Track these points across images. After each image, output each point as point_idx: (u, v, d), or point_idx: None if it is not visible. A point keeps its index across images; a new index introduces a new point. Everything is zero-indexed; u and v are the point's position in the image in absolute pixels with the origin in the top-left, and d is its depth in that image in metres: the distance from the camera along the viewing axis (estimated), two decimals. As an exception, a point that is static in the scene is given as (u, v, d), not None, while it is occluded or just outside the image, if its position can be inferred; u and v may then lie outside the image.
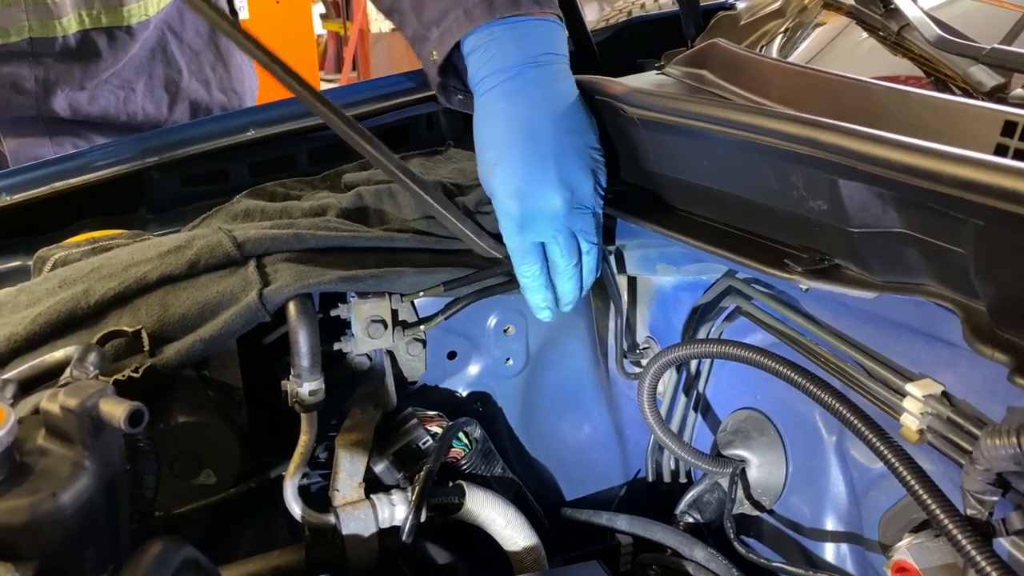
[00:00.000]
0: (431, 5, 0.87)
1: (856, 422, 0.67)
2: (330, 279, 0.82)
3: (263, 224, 0.91)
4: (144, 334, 0.77)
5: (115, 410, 0.55)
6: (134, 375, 0.73)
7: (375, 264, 0.86)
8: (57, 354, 0.71)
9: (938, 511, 0.58)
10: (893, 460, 0.63)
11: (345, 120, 0.77)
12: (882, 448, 0.64)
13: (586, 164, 0.84)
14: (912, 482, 0.61)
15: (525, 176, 0.83)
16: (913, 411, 0.68)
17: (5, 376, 0.67)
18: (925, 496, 0.60)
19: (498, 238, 0.88)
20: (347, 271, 0.84)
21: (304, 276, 0.81)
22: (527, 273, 0.86)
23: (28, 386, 0.69)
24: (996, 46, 0.76)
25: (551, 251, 0.86)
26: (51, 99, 1.31)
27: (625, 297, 1.06)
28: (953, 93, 0.78)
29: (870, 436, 0.65)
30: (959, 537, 0.56)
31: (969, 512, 0.59)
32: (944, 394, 0.67)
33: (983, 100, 0.75)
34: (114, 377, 0.72)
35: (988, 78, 0.76)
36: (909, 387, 0.69)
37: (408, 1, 0.90)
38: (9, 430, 0.51)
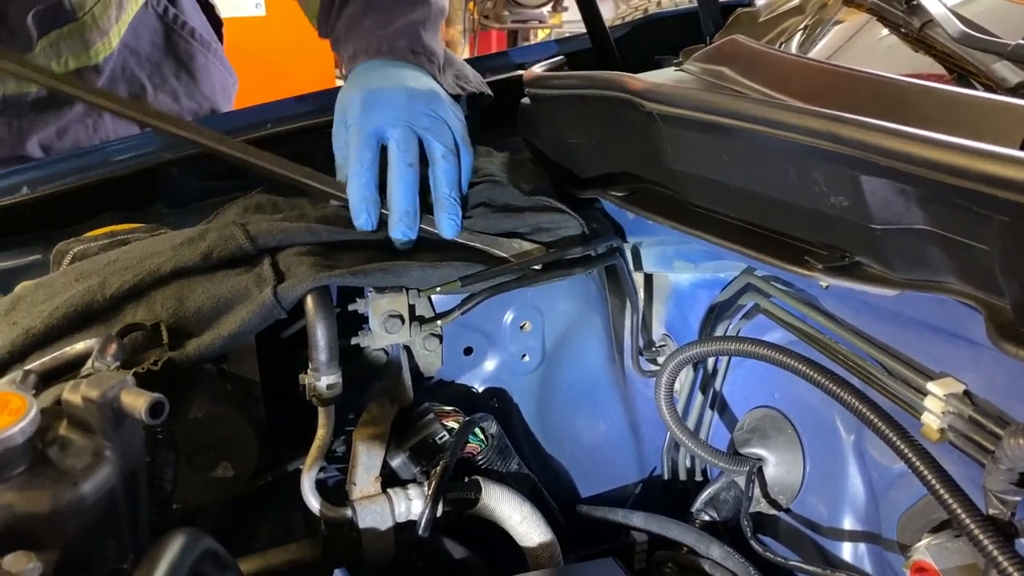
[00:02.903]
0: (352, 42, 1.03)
1: (876, 421, 0.66)
2: (339, 273, 0.83)
3: (275, 217, 0.91)
4: (163, 328, 0.77)
5: (136, 401, 0.55)
6: (153, 368, 0.73)
7: (382, 258, 0.87)
8: (78, 346, 0.71)
9: (959, 511, 0.58)
10: (914, 459, 0.62)
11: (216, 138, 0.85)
12: (902, 447, 0.63)
13: (429, 81, 0.95)
14: (933, 481, 0.60)
15: (369, 84, 0.94)
16: (934, 410, 0.67)
17: (27, 367, 0.68)
18: (946, 495, 0.59)
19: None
20: (356, 265, 0.84)
21: (315, 271, 0.82)
22: (358, 165, 0.88)
23: (49, 377, 0.70)
24: (1021, 42, 0.75)
25: (389, 148, 0.88)
26: (25, 144, 1.33)
27: (641, 294, 1.06)
28: (976, 90, 0.77)
29: (890, 435, 0.65)
30: (980, 537, 0.56)
31: (991, 512, 0.59)
32: (966, 393, 0.67)
33: (1008, 96, 0.74)
34: (134, 369, 0.72)
35: (1012, 74, 0.75)
36: (930, 386, 0.68)
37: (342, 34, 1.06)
38: (31, 420, 0.52)
